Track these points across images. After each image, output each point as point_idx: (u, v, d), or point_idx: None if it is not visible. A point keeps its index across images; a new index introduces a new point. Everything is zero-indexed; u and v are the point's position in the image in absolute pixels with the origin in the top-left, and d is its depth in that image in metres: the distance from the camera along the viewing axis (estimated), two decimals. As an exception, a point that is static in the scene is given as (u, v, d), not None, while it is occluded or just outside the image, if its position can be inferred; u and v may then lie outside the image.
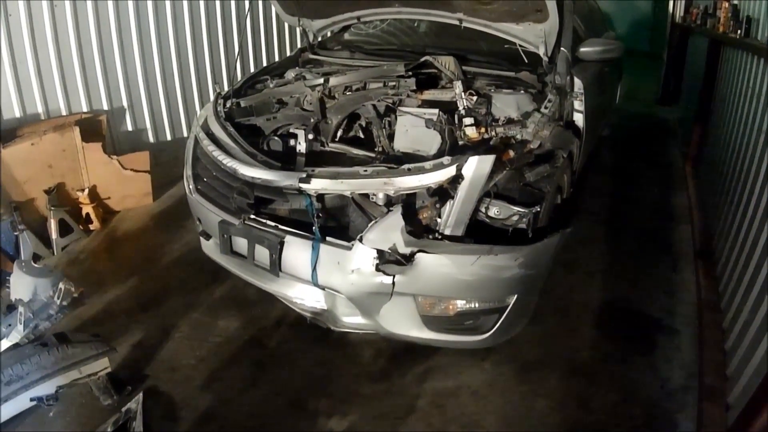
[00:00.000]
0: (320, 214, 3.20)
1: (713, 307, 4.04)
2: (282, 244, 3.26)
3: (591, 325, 4.09)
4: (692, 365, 3.67)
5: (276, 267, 3.32)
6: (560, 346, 3.86)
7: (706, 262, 4.67)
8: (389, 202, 3.20)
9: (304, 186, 3.15)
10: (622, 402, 3.41)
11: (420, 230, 3.11)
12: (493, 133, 3.53)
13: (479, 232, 3.16)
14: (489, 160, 3.09)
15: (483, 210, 3.19)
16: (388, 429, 3.25)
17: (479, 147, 3.36)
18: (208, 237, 4.01)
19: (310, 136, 3.83)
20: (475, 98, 3.73)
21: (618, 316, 4.21)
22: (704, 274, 4.53)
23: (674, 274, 4.73)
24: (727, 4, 5.60)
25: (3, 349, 3.05)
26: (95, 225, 5.49)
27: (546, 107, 3.73)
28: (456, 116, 3.64)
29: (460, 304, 3.31)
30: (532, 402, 3.42)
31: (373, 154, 3.76)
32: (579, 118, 4.18)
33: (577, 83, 4.19)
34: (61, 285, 3.26)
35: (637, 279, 4.64)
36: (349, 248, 3.11)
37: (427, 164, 3.15)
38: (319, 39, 5.36)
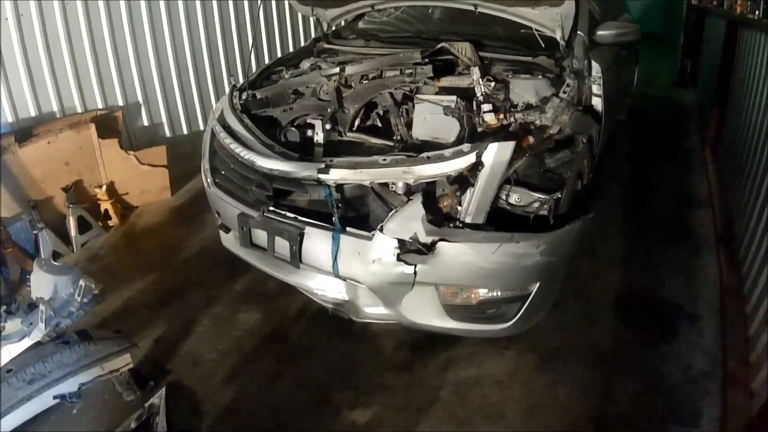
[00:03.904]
0: (340, 205, 3.18)
1: (736, 292, 4.00)
2: (302, 235, 3.25)
3: (612, 311, 4.07)
4: (715, 352, 3.65)
5: (296, 259, 3.31)
6: (582, 334, 3.84)
7: (727, 247, 4.62)
8: (409, 191, 3.18)
9: (322, 176, 3.13)
10: (645, 390, 3.40)
11: (441, 219, 3.09)
12: (512, 119, 3.51)
13: (500, 220, 3.14)
14: (509, 146, 3.06)
15: (503, 197, 3.17)
16: (412, 420, 3.25)
17: (498, 133, 3.33)
18: (227, 230, 4.01)
19: (328, 126, 3.81)
20: (492, 84, 3.70)
21: (639, 302, 4.18)
22: (726, 259, 4.49)
23: (695, 259, 4.69)
24: (745, -16, 5.53)
25: (25, 347, 3.06)
26: (114, 221, 5.50)
27: (564, 92, 3.69)
28: (474, 103, 3.61)
29: (483, 292, 3.29)
30: (555, 390, 3.41)
31: (391, 143, 3.73)
32: (597, 102, 4.13)
33: (595, 67, 4.14)
34: (81, 282, 3.25)
35: (657, 265, 4.61)
36: (370, 238, 3.09)
37: (447, 152, 3.12)
38: (333, 28, 5.35)
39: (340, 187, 3.23)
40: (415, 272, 3.08)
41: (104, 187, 5.43)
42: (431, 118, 3.73)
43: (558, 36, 4.01)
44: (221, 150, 3.83)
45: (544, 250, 3.15)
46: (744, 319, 3.68)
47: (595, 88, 4.13)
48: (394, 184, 3.19)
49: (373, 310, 3.45)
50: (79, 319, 3.29)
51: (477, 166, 3.05)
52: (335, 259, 3.19)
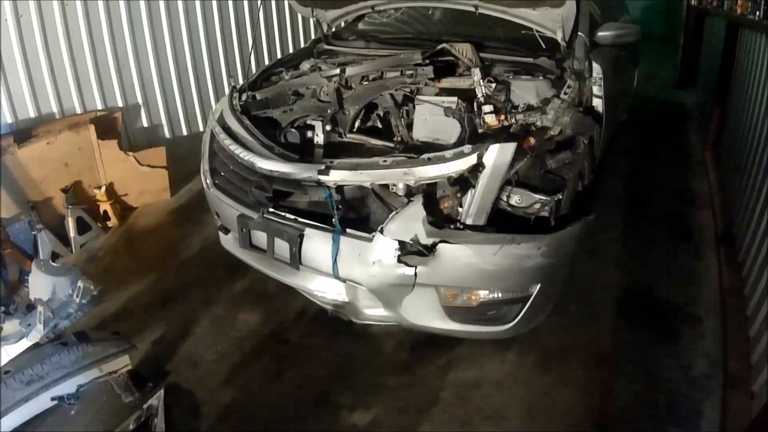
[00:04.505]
0: (340, 206, 3.17)
1: (736, 293, 4.00)
2: (302, 237, 3.24)
3: (613, 312, 4.07)
4: (716, 353, 3.65)
5: (296, 260, 3.30)
6: (583, 335, 3.83)
7: (728, 247, 4.62)
8: (409, 193, 3.17)
9: (322, 178, 3.12)
10: (646, 390, 3.40)
11: (441, 220, 3.08)
12: (513, 121, 3.50)
13: (501, 221, 3.13)
14: (510, 147, 3.06)
15: (504, 198, 3.16)
16: (412, 421, 3.24)
17: (499, 135, 3.32)
18: (226, 231, 4.00)
19: (328, 127, 3.80)
20: (493, 85, 3.69)
21: (640, 303, 4.18)
22: (726, 260, 4.49)
23: (696, 260, 4.69)
24: (745, -14, 5.52)
25: (23, 348, 3.05)
26: (113, 222, 5.49)
27: (565, 93, 3.68)
28: (475, 104, 3.60)
29: (483, 294, 3.28)
30: (556, 392, 3.41)
31: (392, 144, 3.73)
32: (598, 104, 4.12)
33: (596, 68, 4.13)
34: (80, 283, 3.25)
35: (658, 265, 4.61)
36: (370, 240, 3.08)
37: (448, 153, 3.11)
38: (333, 29, 5.34)
39: (340, 189, 3.22)
40: (415, 274, 3.07)
41: (103, 188, 5.42)
42: (432, 119, 3.72)
43: (559, 37, 4.00)
44: (221, 151, 3.82)
45: (545, 252, 3.14)
46: (744, 320, 3.69)
47: (596, 89, 4.12)
48: (394, 185, 3.19)
49: (373, 312, 3.45)
50: (78, 320, 3.28)
51: (478, 167, 3.04)
52: (335, 261, 3.18)
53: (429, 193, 3.14)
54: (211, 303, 4.26)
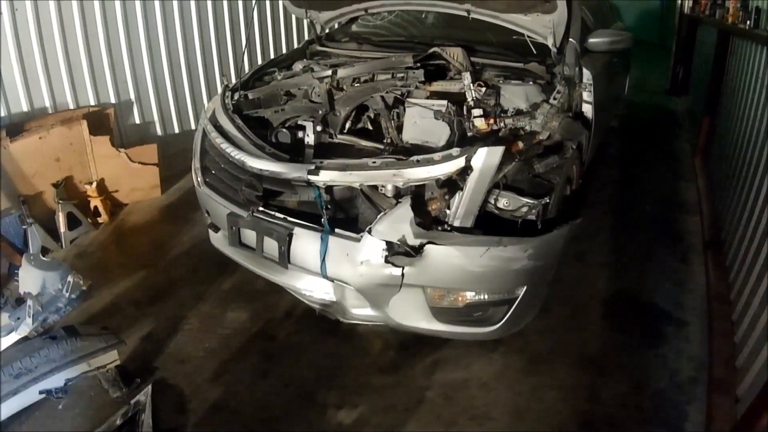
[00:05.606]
0: (329, 206, 3.19)
1: (722, 298, 4.02)
2: (291, 236, 3.25)
3: (600, 316, 4.08)
4: (701, 357, 3.66)
5: (285, 259, 3.31)
6: (569, 338, 3.85)
7: (715, 253, 4.65)
8: (398, 194, 3.18)
9: (312, 178, 3.13)
10: (632, 394, 3.40)
11: (429, 222, 3.10)
12: (502, 125, 3.51)
13: (488, 224, 3.15)
14: (498, 151, 3.07)
15: (492, 201, 3.19)
16: (398, 420, 3.25)
17: (488, 138, 3.35)
18: (216, 229, 4.01)
19: (319, 128, 3.80)
20: (483, 89, 3.72)
21: (627, 307, 4.20)
22: (713, 265, 4.51)
23: (683, 265, 4.71)
24: (736, -5, 5.57)
25: (12, 342, 3.06)
26: (103, 218, 5.49)
27: (555, 98, 3.71)
28: (465, 107, 3.62)
29: (470, 295, 3.30)
30: (542, 394, 3.41)
31: (381, 146, 3.74)
32: (588, 109, 4.16)
33: (586, 74, 4.17)
34: (69, 278, 3.26)
35: (646, 270, 4.63)
36: (358, 240, 3.10)
37: (436, 156, 3.13)
38: (327, 31, 5.35)
39: (329, 189, 3.24)
40: (402, 274, 3.08)
41: (94, 184, 5.42)
42: (422, 121, 3.73)
43: (550, 43, 4.02)
44: (212, 149, 3.83)
45: (531, 255, 3.17)
46: (730, 325, 3.70)
47: (586, 95, 4.16)
48: (383, 186, 3.20)
49: (360, 312, 3.46)
50: (67, 314, 3.30)
51: (466, 170, 3.06)
52: (323, 260, 3.19)
53: (417, 195, 3.16)
54: (199, 300, 4.26)
